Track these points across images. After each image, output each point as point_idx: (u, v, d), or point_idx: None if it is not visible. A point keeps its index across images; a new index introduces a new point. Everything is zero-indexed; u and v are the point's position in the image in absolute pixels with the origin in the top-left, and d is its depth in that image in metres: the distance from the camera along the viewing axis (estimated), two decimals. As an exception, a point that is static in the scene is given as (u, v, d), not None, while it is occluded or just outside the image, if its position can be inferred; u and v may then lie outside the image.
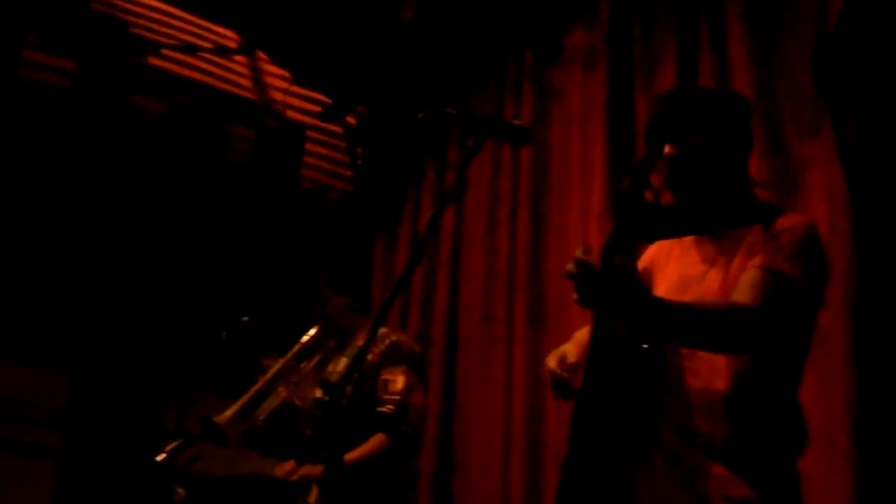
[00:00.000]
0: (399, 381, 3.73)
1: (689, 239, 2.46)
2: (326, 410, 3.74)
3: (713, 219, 2.30)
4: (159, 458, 3.33)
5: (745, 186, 2.38)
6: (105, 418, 4.89)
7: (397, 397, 3.68)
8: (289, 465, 3.64)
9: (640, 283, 2.08)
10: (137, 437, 4.78)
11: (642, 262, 2.58)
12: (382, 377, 3.73)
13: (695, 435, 2.16)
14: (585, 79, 4.49)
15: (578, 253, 1.98)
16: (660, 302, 2.09)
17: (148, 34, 5.52)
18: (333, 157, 6.25)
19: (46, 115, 5.04)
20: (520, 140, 2.43)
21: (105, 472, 4.79)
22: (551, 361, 2.39)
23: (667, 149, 2.21)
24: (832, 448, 3.00)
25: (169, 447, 3.35)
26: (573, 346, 2.44)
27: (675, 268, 2.42)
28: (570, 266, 1.97)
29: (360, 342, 3.81)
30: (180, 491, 3.44)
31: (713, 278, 2.28)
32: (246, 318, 3.76)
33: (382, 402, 3.68)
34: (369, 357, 3.71)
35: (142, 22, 5.52)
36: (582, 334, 2.53)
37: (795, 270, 2.15)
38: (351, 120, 6.16)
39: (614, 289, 1.97)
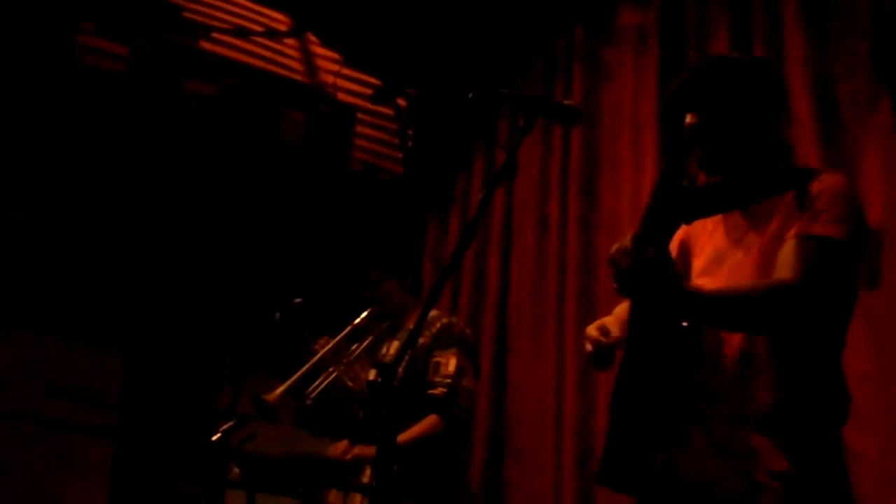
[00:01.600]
0: (451, 364, 3.72)
1: None
2: (379, 391, 3.76)
3: (745, 191, 2.26)
4: (214, 437, 3.37)
5: (776, 152, 2.34)
6: (160, 399, 4.96)
7: (448, 380, 3.68)
8: (342, 445, 3.67)
9: (675, 275, 2.06)
10: (192, 417, 4.84)
11: (676, 239, 2.56)
12: (434, 359, 3.73)
13: (734, 405, 2.14)
14: (637, 58, 4.44)
15: (615, 247, 1.98)
16: (695, 293, 2.08)
17: (199, 18, 5.56)
18: (384, 140, 6.25)
19: (101, 101, 5.11)
20: (571, 120, 2.41)
21: (161, 452, 4.87)
22: (592, 331, 2.38)
23: (688, 118, 2.18)
24: (887, 429, 2.96)
25: (223, 427, 3.39)
26: (614, 320, 2.42)
27: (708, 241, 2.38)
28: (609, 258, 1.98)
29: (412, 325, 3.84)
30: (235, 470, 3.47)
31: (748, 249, 2.24)
32: (299, 300, 3.78)
33: (434, 385, 3.68)
34: (421, 340, 3.71)
35: (193, 6, 5.55)
36: (622, 309, 2.51)
37: (836, 231, 2.11)
38: (401, 102, 6.16)
39: (648, 282, 1.98)
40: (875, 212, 3.11)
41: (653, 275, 1.97)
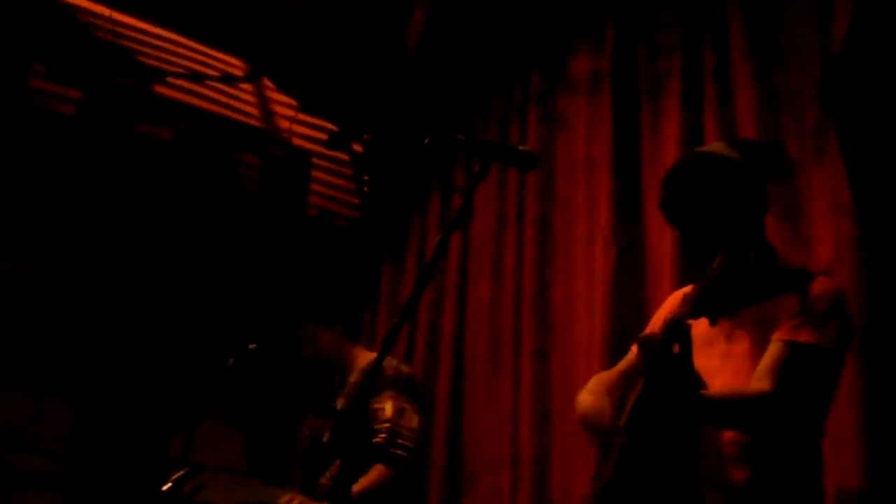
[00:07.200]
0: (388, 408, 3.73)
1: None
2: (329, 441, 3.75)
3: (757, 292, 2.31)
4: (164, 487, 3.31)
5: (768, 250, 2.40)
6: (110, 447, 4.87)
7: (387, 424, 3.68)
8: (295, 497, 3.62)
9: (691, 377, 2.13)
10: (142, 465, 4.75)
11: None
12: (372, 407, 3.73)
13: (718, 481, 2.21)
14: (591, 104, 4.49)
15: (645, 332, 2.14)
16: (702, 398, 2.15)
17: (153, 62, 5.54)
18: (340, 185, 6.25)
19: (52, 144, 5.06)
20: (526, 165, 2.42)
21: (109, 502, 4.76)
22: (606, 409, 2.41)
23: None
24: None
25: (174, 476, 3.33)
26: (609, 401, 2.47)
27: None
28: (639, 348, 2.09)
29: (355, 372, 3.85)
30: (186, 520, 3.41)
31: (739, 341, 2.33)
32: (253, 345, 3.75)
33: (375, 433, 3.68)
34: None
35: (147, 50, 5.53)
36: (602, 384, 2.57)
37: (824, 339, 2.20)
38: (357, 147, 6.16)
39: (668, 378, 2.06)
40: (824, 252, 3.15)
41: (674, 372, 2.05)
